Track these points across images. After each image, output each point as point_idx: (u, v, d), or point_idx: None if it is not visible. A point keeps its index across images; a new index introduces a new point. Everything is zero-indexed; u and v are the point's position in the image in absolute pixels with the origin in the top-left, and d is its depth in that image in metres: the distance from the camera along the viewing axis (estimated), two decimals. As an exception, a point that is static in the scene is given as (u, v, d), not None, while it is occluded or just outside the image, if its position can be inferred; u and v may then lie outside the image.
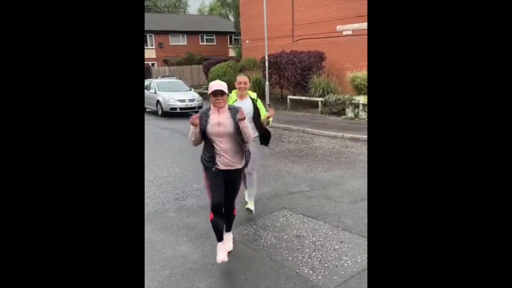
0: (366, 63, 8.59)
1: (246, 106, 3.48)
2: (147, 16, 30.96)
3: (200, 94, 14.86)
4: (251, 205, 4.01)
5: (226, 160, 2.85)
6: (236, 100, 3.67)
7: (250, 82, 3.81)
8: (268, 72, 13.17)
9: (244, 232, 3.61)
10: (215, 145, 2.85)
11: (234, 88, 3.72)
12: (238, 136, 2.85)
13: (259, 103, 3.76)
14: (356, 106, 10.12)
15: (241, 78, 3.70)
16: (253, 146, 3.44)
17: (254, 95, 3.79)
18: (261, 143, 3.86)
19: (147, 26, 28.79)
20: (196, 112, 13.26)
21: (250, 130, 2.88)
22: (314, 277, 2.78)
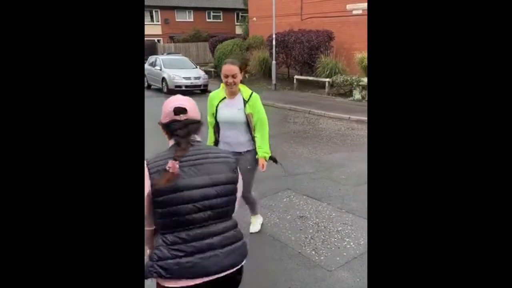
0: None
1: (237, 108, 2.70)
2: (153, -10, 30.44)
3: (206, 71, 14.72)
4: (254, 225, 3.20)
5: None
6: (225, 98, 2.73)
7: (244, 68, 2.72)
8: (275, 51, 12.96)
9: (248, 211, 3.63)
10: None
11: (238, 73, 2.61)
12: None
13: (255, 102, 2.74)
14: (364, 87, 9.96)
15: (228, 68, 2.59)
16: (246, 163, 2.78)
17: (248, 91, 2.76)
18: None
19: (153, 1, 28.33)
20: (201, 91, 13.17)
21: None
22: (317, 258, 2.80)
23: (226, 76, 2.60)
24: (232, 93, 2.72)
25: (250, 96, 2.73)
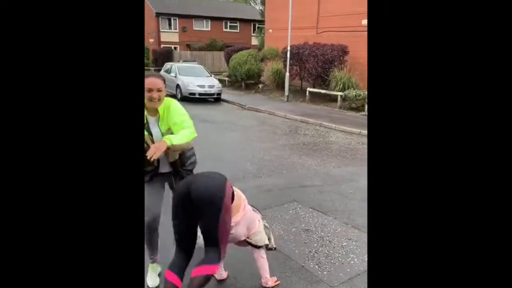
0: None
1: (157, 127, 2.32)
2: (173, -1, 31.03)
3: (220, 80, 14.88)
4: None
5: None
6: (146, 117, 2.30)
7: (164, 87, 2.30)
8: (289, 63, 13.03)
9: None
10: None
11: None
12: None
13: (168, 112, 2.33)
14: (377, 103, 9.91)
15: (152, 81, 2.22)
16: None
17: (168, 101, 2.36)
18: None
19: (171, 9, 28.88)
20: (215, 99, 13.28)
21: None
22: (320, 273, 2.77)
23: (150, 90, 2.21)
24: (155, 110, 2.31)
25: (163, 109, 2.32)
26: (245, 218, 2.28)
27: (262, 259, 2.51)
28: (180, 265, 2.07)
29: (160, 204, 2.51)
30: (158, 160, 2.34)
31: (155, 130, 2.34)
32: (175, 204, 2.05)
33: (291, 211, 3.88)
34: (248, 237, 2.39)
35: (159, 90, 2.25)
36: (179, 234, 2.08)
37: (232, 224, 2.13)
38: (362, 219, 3.68)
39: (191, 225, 2.07)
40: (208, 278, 1.95)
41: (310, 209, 3.93)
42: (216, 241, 1.98)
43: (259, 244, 2.43)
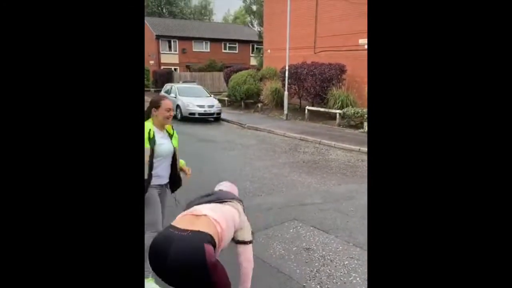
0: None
1: (169, 140, 2.79)
2: (173, 22, 31.68)
3: (220, 100, 15.01)
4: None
5: None
6: (153, 131, 2.63)
7: None
8: (288, 82, 13.19)
9: (253, 241, 3.58)
10: None
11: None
12: None
13: (176, 136, 2.89)
14: (375, 120, 9.97)
15: (170, 103, 2.74)
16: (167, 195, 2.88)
17: (168, 126, 2.86)
18: (172, 190, 2.94)
19: (172, 32, 29.43)
20: (215, 119, 13.36)
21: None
22: (321, 292, 2.72)
23: (169, 110, 2.71)
24: (164, 127, 2.80)
25: (173, 131, 2.88)
26: (227, 227, 2.04)
27: (249, 264, 2.23)
28: None
29: (160, 218, 2.71)
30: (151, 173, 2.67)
31: (167, 144, 2.75)
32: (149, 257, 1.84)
33: (291, 230, 3.84)
34: (234, 237, 2.20)
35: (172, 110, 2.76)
36: None
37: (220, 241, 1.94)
38: (363, 237, 3.64)
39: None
40: None
41: (311, 228, 3.89)
42: None
43: (247, 239, 2.23)
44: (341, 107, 11.48)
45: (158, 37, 28.70)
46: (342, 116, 11.24)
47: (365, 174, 6.17)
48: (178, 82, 19.08)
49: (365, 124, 10.29)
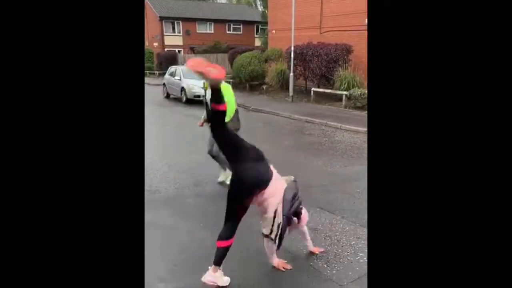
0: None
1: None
2: (176, 3, 31.15)
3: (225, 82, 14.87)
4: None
5: None
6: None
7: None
8: (293, 64, 13.03)
9: (260, 222, 3.62)
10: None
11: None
12: None
13: None
14: (382, 101, 9.88)
15: None
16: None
17: None
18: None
19: (175, 13, 29.00)
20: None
21: None
22: (328, 271, 2.77)
23: None
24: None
25: None
26: (277, 188, 2.74)
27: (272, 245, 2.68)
28: (225, 235, 2.53)
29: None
30: None
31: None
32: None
33: (298, 211, 3.87)
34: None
35: None
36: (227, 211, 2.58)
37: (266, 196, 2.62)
38: (370, 218, 3.67)
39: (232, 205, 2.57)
40: (226, 249, 2.52)
41: (318, 209, 3.93)
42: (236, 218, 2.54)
43: (265, 232, 2.66)
44: (347, 89, 11.36)
45: (161, 18, 28.33)
46: (348, 98, 11.13)
47: (372, 155, 6.18)
48: (183, 64, 18.94)
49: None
